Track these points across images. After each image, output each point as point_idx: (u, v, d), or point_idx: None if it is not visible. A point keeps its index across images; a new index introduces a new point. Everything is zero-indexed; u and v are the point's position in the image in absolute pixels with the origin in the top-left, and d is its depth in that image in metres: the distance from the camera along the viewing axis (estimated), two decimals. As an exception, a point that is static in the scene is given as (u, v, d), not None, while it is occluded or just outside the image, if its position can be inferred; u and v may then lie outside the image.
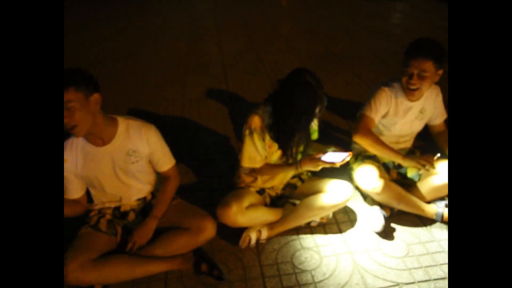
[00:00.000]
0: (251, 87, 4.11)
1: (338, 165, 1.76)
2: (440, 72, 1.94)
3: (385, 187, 1.97)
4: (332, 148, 1.82)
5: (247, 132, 1.86)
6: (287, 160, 1.91)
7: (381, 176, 2.03)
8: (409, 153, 2.28)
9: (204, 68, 4.76)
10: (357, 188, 2.26)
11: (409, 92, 2.00)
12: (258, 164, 1.93)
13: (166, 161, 1.90)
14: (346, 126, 3.17)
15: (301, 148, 1.90)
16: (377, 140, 2.02)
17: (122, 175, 1.81)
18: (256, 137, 1.85)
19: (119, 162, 1.77)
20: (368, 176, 2.01)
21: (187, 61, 5.00)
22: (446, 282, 1.76)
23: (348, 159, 1.75)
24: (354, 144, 2.23)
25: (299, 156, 1.93)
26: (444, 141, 2.18)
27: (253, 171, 1.97)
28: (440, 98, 2.17)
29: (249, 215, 1.92)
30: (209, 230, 1.85)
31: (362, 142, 2.04)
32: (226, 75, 4.50)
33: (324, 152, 1.81)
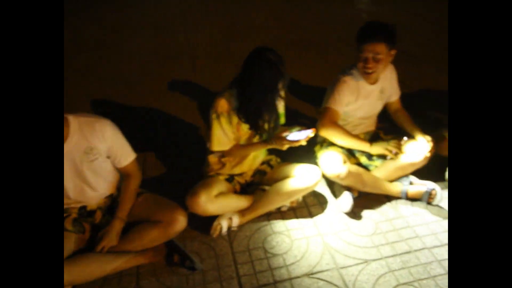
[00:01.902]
0: (220, 77, 4.08)
1: (302, 142, 1.80)
2: (393, 52, 1.98)
3: (349, 173, 2.00)
4: (297, 128, 1.85)
5: (214, 116, 1.87)
6: (261, 137, 1.94)
7: (345, 162, 2.07)
8: (373, 135, 2.33)
9: (172, 60, 4.70)
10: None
11: (367, 76, 2.04)
12: (227, 147, 1.95)
13: (125, 156, 1.85)
14: (315, 112, 3.20)
15: (272, 124, 1.92)
16: (343, 132, 2.05)
17: (87, 175, 1.77)
18: (223, 120, 1.86)
19: (79, 162, 1.72)
20: (332, 163, 2.04)
21: (156, 53, 4.92)
22: (410, 255, 1.83)
23: (311, 135, 1.79)
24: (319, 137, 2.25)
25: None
26: (403, 119, 2.23)
27: (223, 156, 1.98)
28: (394, 75, 2.22)
29: (218, 203, 1.93)
30: (180, 222, 1.84)
31: (328, 135, 2.06)
32: (195, 66, 4.46)
33: (290, 131, 1.84)
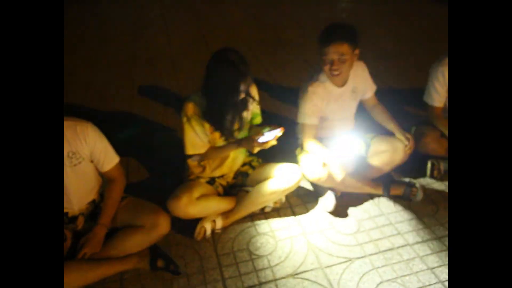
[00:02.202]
0: (200, 78, 4.06)
1: (272, 142, 1.81)
2: (357, 51, 1.98)
3: (330, 176, 2.01)
4: (267, 129, 1.85)
5: (184, 119, 1.88)
6: (227, 140, 1.94)
7: (325, 164, 2.08)
8: (355, 133, 2.34)
9: (152, 62, 4.65)
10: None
11: (334, 78, 2.03)
12: (202, 149, 1.95)
13: (108, 160, 1.83)
14: (295, 113, 3.21)
15: (236, 126, 1.92)
16: (321, 147, 2.05)
17: (70, 180, 1.73)
18: (194, 123, 1.87)
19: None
20: (313, 167, 2.04)
21: (134, 56, 4.86)
22: (393, 252, 1.85)
23: (279, 134, 1.80)
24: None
25: (243, 134, 1.99)
26: (381, 115, 2.24)
27: (201, 159, 1.98)
28: (366, 72, 2.21)
29: (200, 206, 1.92)
30: (163, 226, 1.82)
31: (311, 152, 2.08)
32: (175, 68, 4.43)
33: (261, 133, 1.84)
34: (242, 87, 1.79)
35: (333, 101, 2.13)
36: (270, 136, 1.81)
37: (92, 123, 1.77)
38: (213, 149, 1.98)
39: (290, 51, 4.73)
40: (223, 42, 5.06)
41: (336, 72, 1.98)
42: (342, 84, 2.11)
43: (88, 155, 1.76)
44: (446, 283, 1.68)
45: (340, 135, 2.26)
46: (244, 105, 1.94)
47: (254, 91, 2.01)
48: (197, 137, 1.91)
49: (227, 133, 1.92)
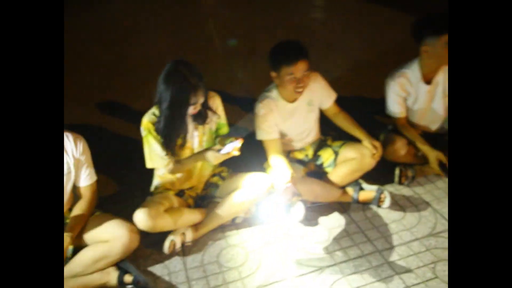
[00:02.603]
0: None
1: (234, 153, 1.81)
2: (308, 64, 2.00)
3: (299, 186, 2.02)
4: (229, 140, 1.85)
5: (144, 133, 1.88)
6: (167, 154, 1.91)
7: (294, 175, 2.07)
8: (320, 143, 2.37)
9: (124, 73, 4.60)
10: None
11: (299, 93, 2.05)
12: (161, 163, 1.93)
13: (86, 176, 1.83)
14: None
15: (179, 141, 1.92)
16: (286, 161, 2.05)
17: None
18: (153, 135, 1.86)
19: None
20: (281, 177, 2.02)
21: (108, 66, 4.79)
22: (362, 259, 1.87)
23: (238, 145, 1.80)
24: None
25: (208, 146, 1.99)
26: (345, 123, 2.26)
27: (167, 171, 1.97)
28: (322, 82, 2.22)
29: (168, 219, 1.89)
30: (131, 240, 1.78)
31: (275, 167, 2.07)
32: (149, 79, 4.38)
33: (224, 144, 1.84)
34: (193, 101, 1.77)
35: (288, 117, 2.14)
36: (230, 148, 1.81)
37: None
38: (177, 162, 1.96)
39: (262, 61, 4.76)
40: (195, 54, 5.06)
41: (301, 89, 2.00)
42: (295, 99, 2.13)
43: (72, 167, 1.76)
44: (414, 288, 1.71)
45: (305, 146, 2.28)
46: (202, 118, 1.94)
47: (216, 102, 2.01)
48: (156, 151, 1.89)
49: (168, 148, 1.89)
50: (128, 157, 2.82)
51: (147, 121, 1.87)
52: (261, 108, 2.08)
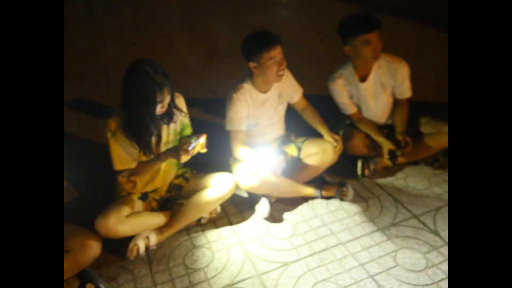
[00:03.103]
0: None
1: (198, 149, 1.81)
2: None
3: (262, 183, 2.03)
4: (194, 138, 1.85)
5: (109, 135, 1.82)
6: (145, 154, 1.89)
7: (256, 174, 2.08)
8: (284, 139, 2.40)
9: (81, 76, 4.47)
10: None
11: (280, 77, 2.09)
12: (131, 164, 1.89)
13: None
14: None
15: (154, 140, 1.88)
16: (250, 153, 2.08)
17: None
18: (120, 136, 1.82)
19: None
20: (245, 175, 2.05)
21: (66, 70, 4.63)
22: (327, 252, 1.90)
23: (202, 141, 1.81)
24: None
25: (172, 145, 1.96)
26: (311, 117, 2.31)
27: (131, 174, 1.93)
28: (290, 77, 2.29)
29: (131, 223, 1.85)
30: (92, 248, 1.73)
31: (240, 158, 2.11)
32: (109, 82, 4.28)
33: (188, 143, 1.83)
34: (159, 99, 1.75)
35: (259, 107, 2.16)
36: (197, 144, 1.81)
37: None
38: (142, 163, 1.92)
39: (226, 59, 4.75)
40: (158, 54, 4.98)
41: (283, 72, 2.06)
42: (267, 89, 2.16)
43: None
44: (376, 277, 1.75)
45: (270, 140, 2.30)
46: (169, 117, 1.91)
47: (181, 102, 1.99)
48: (124, 152, 1.85)
49: (145, 148, 1.87)
50: (86, 163, 2.75)
51: (112, 121, 1.82)
52: (236, 98, 2.09)
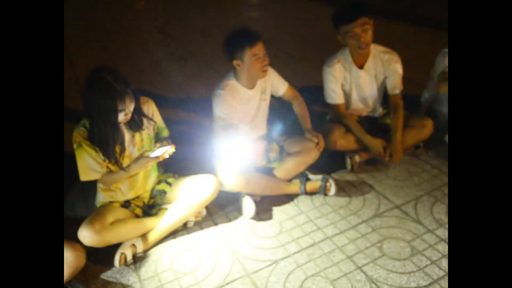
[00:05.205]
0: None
1: (162, 158, 1.81)
2: None
3: (246, 182, 2.05)
4: (159, 145, 1.87)
5: (75, 146, 1.80)
6: (110, 163, 1.87)
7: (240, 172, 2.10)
8: (267, 137, 2.43)
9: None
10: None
11: (265, 72, 2.13)
12: (98, 175, 1.86)
13: None
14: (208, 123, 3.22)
15: (118, 149, 1.87)
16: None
17: None
18: (85, 148, 1.79)
19: None
20: (228, 175, 2.06)
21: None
22: (314, 247, 1.92)
23: (170, 150, 1.82)
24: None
25: (139, 153, 1.94)
26: (298, 109, 2.35)
27: (103, 183, 1.92)
28: (272, 71, 2.30)
29: (115, 231, 1.82)
30: (77, 259, 1.70)
31: (227, 146, 2.13)
32: (81, 90, 4.19)
33: (153, 149, 1.83)
34: (120, 107, 1.70)
35: (245, 103, 2.19)
36: (160, 152, 1.81)
37: None
38: (109, 175, 1.90)
39: (200, 62, 4.73)
40: (128, 59, 4.91)
41: (267, 67, 2.11)
42: (253, 86, 2.19)
43: None
44: (364, 268, 1.78)
45: (254, 138, 2.31)
46: (136, 125, 1.90)
47: (151, 108, 1.98)
48: (91, 162, 1.82)
49: (109, 157, 1.84)
50: (68, 174, 2.68)
51: (77, 133, 1.79)
52: (223, 94, 2.10)
